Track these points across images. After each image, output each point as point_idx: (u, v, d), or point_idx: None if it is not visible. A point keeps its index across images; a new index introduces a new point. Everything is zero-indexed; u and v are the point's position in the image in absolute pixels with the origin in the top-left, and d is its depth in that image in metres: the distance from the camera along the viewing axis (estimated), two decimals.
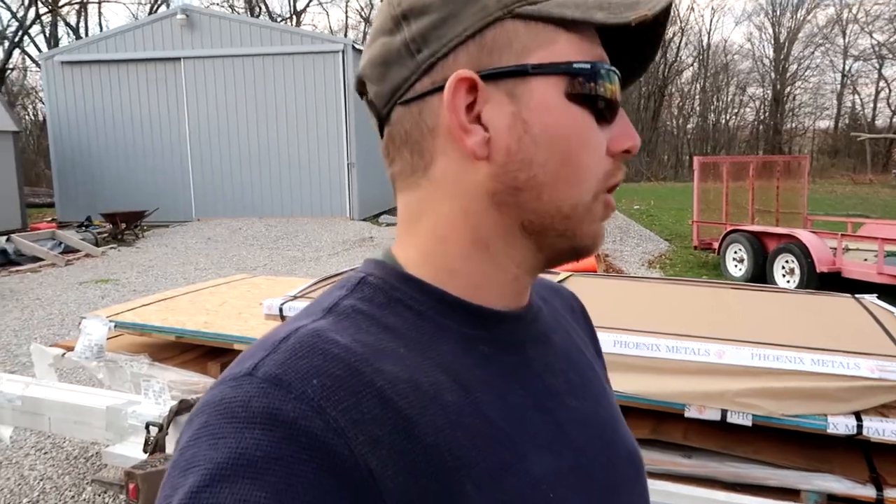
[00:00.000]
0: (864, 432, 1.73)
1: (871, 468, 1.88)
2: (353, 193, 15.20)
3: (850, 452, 1.93)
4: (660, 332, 2.05)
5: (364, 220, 15.21)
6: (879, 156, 31.68)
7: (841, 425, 1.75)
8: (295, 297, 2.70)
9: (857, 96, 36.93)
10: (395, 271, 0.53)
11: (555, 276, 2.95)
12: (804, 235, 7.82)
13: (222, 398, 0.41)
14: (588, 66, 0.50)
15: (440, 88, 0.49)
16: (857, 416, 1.76)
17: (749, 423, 1.86)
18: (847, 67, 35.14)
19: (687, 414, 1.95)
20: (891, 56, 33.60)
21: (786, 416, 1.80)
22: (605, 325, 2.05)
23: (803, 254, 7.64)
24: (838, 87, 36.29)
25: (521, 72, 0.49)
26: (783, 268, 7.99)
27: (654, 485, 1.86)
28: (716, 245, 9.36)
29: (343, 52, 14.92)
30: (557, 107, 0.49)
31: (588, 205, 0.51)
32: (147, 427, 2.37)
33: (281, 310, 2.63)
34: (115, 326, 3.02)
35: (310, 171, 15.31)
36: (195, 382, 2.79)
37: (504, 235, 0.52)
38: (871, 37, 33.76)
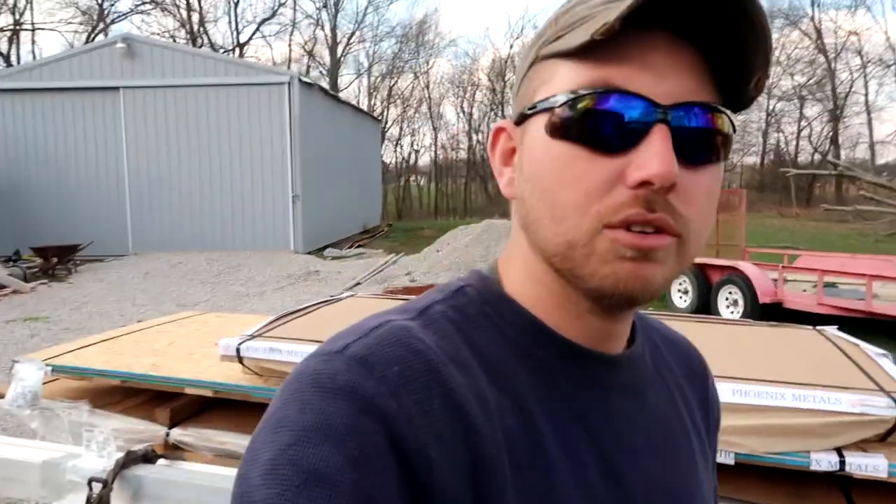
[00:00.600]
0: (847, 468, 1.72)
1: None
2: (297, 226, 14.94)
3: (830, 489, 1.92)
4: None
5: (309, 253, 14.94)
6: (803, 191, 33.45)
7: (824, 461, 1.73)
8: (252, 337, 2.55)
9: (781, 134, 39.11)
10: (492, 286, 0.55)
11: None
12: (746, 268, 8.07)
13: (314, 370, 0.44)
14: (563, 97, 0.46)
15: None
16: (839, 451, 1.75)
17: (732, 462, 1.83)
18: (771, 107, 37.21)
19: None
20: (810, 97, 35.81)
21: (769, 454, 1.78)
22: None
23: (746, 285, 7.87)
24: (763, 125, 38.35)
25: (523, 115, 0.51)
26: (727, 299, 8.21)
27: None
28: None
29: (289, 84, 14.80)
30: (540, 144, 0.49)
31: (585, 242, 0.46)
32: (90, 483, 2.16)
33: (238, 350, 2.48)
34: (52, 370, 2.79)
35: (253, 204, 14.99)
36: (142, 430, 2.58)
37: (546, 272, 0.51)
38: (793, 78, 35.87)
